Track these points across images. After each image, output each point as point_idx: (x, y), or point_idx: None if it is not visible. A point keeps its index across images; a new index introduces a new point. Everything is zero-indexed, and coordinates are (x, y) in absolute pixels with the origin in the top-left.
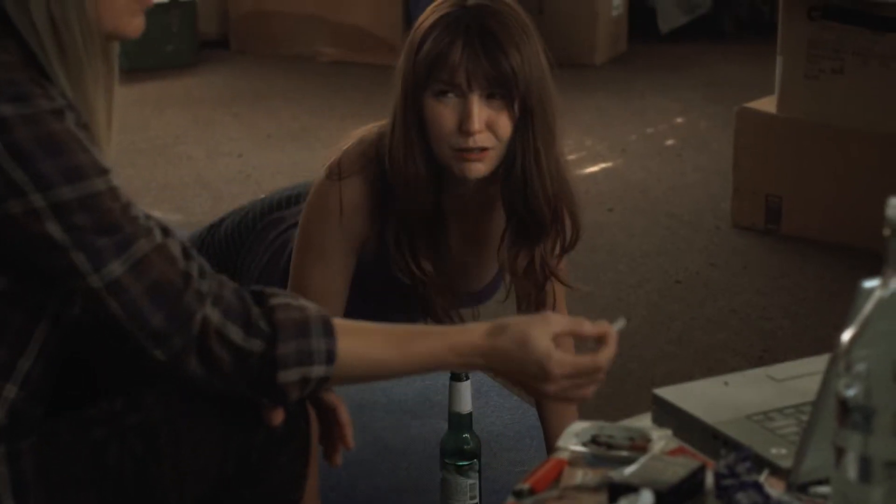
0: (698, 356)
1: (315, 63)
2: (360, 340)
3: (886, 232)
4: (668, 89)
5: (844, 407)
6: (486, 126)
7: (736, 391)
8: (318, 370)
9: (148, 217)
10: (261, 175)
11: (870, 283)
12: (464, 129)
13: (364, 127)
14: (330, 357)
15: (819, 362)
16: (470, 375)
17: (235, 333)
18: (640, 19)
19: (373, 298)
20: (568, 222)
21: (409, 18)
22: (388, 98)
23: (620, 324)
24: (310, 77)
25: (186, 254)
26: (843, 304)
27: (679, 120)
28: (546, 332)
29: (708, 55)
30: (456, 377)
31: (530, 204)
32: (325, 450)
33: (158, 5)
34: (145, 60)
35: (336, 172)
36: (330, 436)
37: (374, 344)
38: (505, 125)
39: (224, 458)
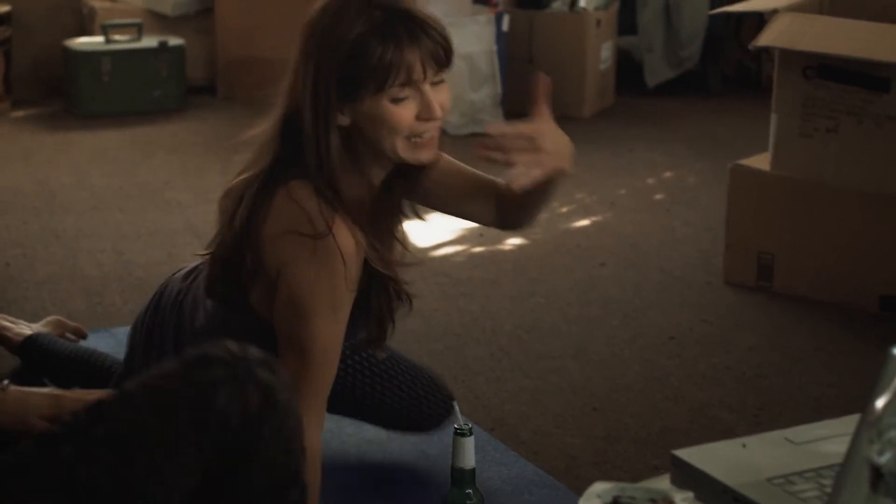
0: (694, 413)
1: None
2: None
3: None
4: (655, 143)
5: (876, 473)
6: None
7: (754, 453)
8: None
9: None
10: None
11: None
12: (424, 117)
13: (237, 179)
14: None
15: (836, 426)
16: (473, 431)
17: None
18: (628, 73)
19: None
20: None
21: None
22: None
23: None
24: None
25: None
26: (838, 363)
27: (667, 174)
28: None
29: (695, 110)
30: (460, 432)
31: None
32: None
33: (147, 50)
34: (134, 105)
35: (323, 227)
36: None
37: None
38: (448, 98)
39: (201, 448)
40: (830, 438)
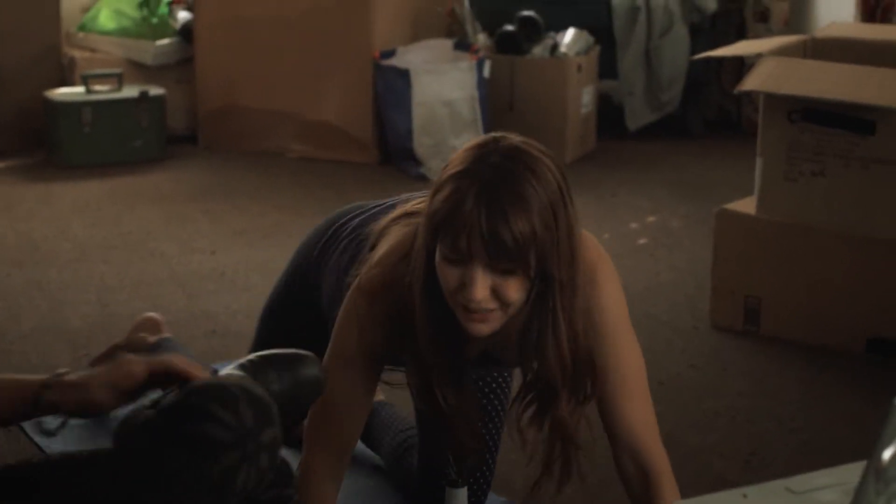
0: (686, 459)
1: (284, 159)
2: None
3: None
4: (638, 187)
5: None
6: (492, 291)
7: None
8: None
9: None
10: (234, 273)
11: None
12: (465, 294)
13: (403, 216)
14: None
15: (836, 474)
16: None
17: None
18: (609, 117)
19: None
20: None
21: (378, 116)
22: (360, 195)
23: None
24: (279, 173)
25: None
26: (828, 407)
27: (651, 219)
28: None
29: (676, 154)
30: (452, 483)
31: (544, 371)
32: None
33: (127, 100)
34: (114, 155)
35: (361, 287)
36: None
37: None
38: (513, 292)
39: None
40: (831, 487)
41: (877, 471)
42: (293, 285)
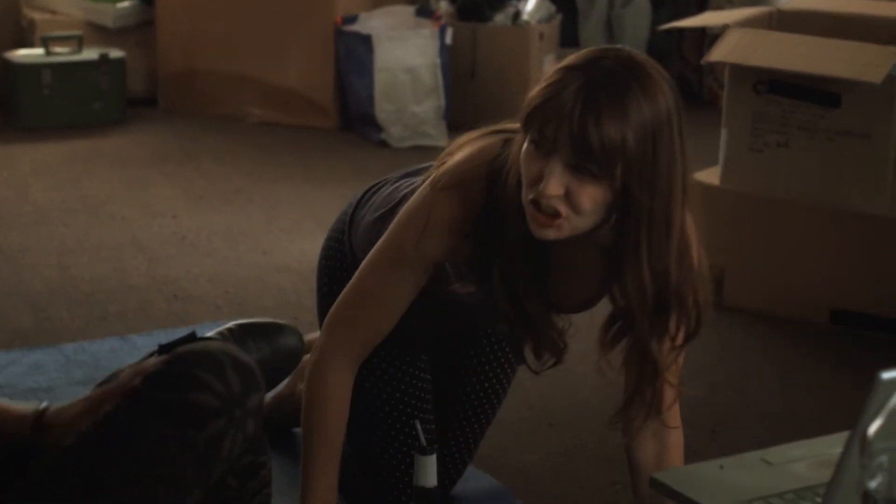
0: None
1: (244, 124)
2: None
3: None
4: None
5: (867, 497)
6: (566, 193)
7: (732, 475)
8: None
9: None
10: (196, 237)
11: (888, 375)
12: (539, 187)
13: (488, 133)
14: None
15: (812, 446)
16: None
17: None
18: None
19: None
20: (691, 311)
21: (340, 80)
22: (321, 160)
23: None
24: (240, 138)
25: None
26: (791, 379)
27: None
28: None
29: None
30: (421, 450)
31: (627, 296)
32: None
33: (87, 62)
34: (74, 118)
35: (436, 183)
36: None
37: None
38: (586, 199)
39: (208, 485)
40: (806, 459)
41: (861, 444)
42: (331, 259)
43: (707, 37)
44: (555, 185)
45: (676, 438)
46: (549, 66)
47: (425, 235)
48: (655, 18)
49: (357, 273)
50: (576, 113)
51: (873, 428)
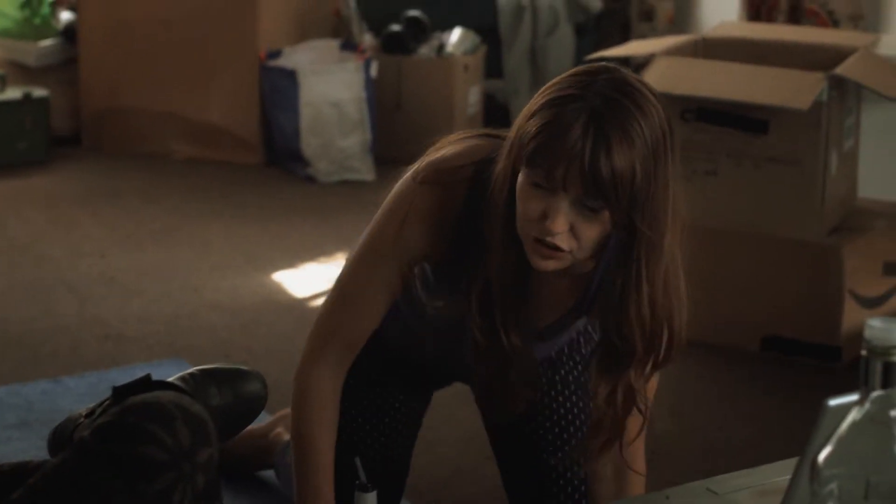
0: None
1: (170, 161)
2: None
3: (864, 352)
4: None
5: None
6: (570, 229)
7: None
8: None
9: None
10: (125, 276)
11: (835, 402)
12: (544, 225)
13: (479, 136)
14: None
15: (756, 474)
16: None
17: None
18: (495, 116)
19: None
20: (665, 339)
21: (265, 116)
22: (248, 196)
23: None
24: (166, 175)
25: None
26: (726, 406)
27: None
28: None
29: None
30: (362, 487)
31: (623, 332)
32: None
33: (10, 102)
34: None
35: (417, 175)
36: None
37: None
38: (590, 235)
39: None
40: (751, 488)
41: (811, 471)
42: None
43: (630, 66)
44: (562, 223)
45: (637, 483)
46: (473, 97)
47: (406, 225)
48: (579, 47)
49: (337, 277)
50: (587, 151)
51: (823, 455)
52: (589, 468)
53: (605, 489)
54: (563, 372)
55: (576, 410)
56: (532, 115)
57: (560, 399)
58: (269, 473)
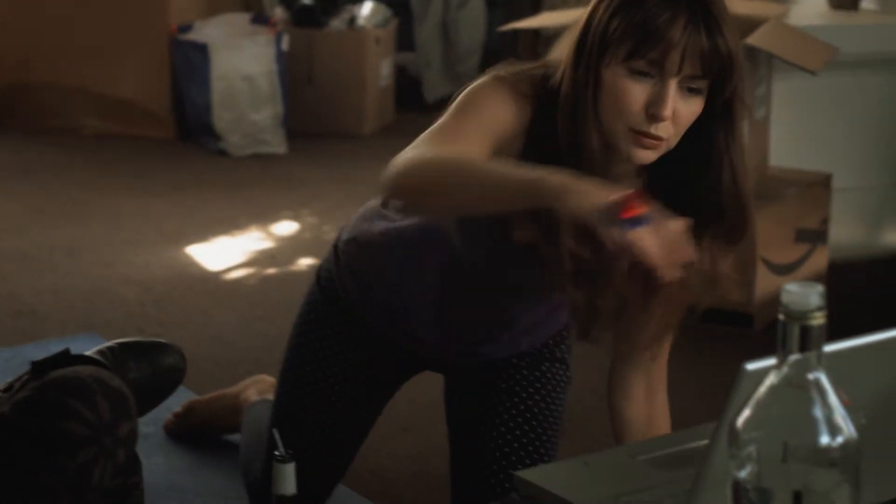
0: None
1: (80, 136)
2: None
3: (781, 316)
4: None
5: (738, 487)
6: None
7: (599, 471)
8: None
9: None
10: (38, 252)
11: (752, 366)
12: (652, 112)
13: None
14: None
15: (675, 439)
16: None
17: None
18: (407, 89)
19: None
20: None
21: (176, 90)
22: (160, 171)
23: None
24: (76, 151)
25: None
26: None
27: None
28: None
29: None
30: (280, 460)
31: (722, 207)
32: None
33: None
34: None
35: (502, 76)
36: None
37: None
38: (689, 116)
39: None
40: (671, 452)
41: (730, 435)
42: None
43: (541, 37)
44: (671, 107)
45: (663, 405)
46: (385, 70)
47: (494, 97)
48: (491, 20)
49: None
50: (702, 32)
51: (741, 419)
52: (623, 385)
53: (636, 410)
54: (543, 367)
55: (546, 412)
56: (614, 15)
57: (536, 398)
58: (235, 437)
